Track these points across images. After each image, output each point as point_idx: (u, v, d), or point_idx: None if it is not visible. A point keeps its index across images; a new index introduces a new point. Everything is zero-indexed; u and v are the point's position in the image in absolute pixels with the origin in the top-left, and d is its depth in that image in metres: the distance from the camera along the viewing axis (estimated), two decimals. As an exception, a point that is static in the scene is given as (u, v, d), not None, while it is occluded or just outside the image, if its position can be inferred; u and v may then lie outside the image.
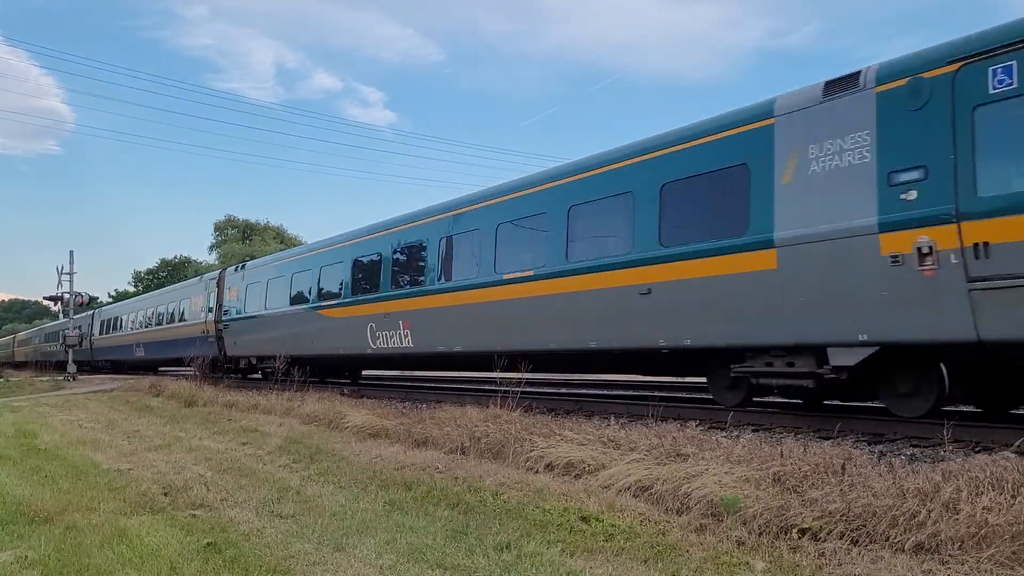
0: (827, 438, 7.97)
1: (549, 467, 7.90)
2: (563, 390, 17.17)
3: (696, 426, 8.92)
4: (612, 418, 10.10)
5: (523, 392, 11.01)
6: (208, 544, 5.77)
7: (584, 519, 6.07)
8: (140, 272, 71.40)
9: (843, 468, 5.94)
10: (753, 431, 9.01)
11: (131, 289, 72.69)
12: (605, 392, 16.57)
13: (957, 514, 4.64)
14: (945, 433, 6.92)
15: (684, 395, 14.63)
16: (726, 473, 6.24)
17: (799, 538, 5.14)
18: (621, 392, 16.30)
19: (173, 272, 69.85)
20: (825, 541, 5.01)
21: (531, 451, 8.30)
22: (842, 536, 5.00)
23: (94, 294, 42.92)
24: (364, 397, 16.10)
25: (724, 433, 8.65)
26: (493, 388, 11.56)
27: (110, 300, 72.10)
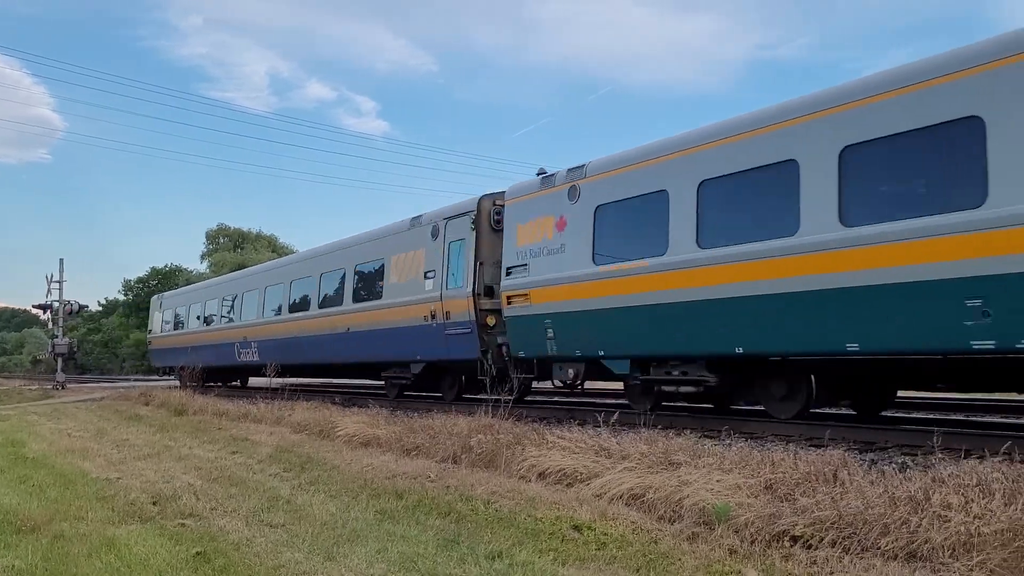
0: (818, 446, 7.96)
1: (541, 476, 7.88)
2: (556, 399, 17.14)
3: (688, 434, 8.91)
4: (604, 426, 10.07)
5: (515, 400, 10.99)
6: (197, 554, 5.74)
7: (576, 528, 6.05)
8: (130, 281, 70.80)
9: (835, 476, 5.94)
10: (745, 439, 9.00)
11: (121, 298, 72.01)
12: (598, 401, 16.55)
13: (948, 522, 4.64)
14: (935, 440, 6.93)
15: (673, 404, 14.61)
16: (718, 481, 6.24)
17: (791, 546, 5.14)
18: (613, 401, 16.28)
19: (163, 281, 69.32)
20: (817, 549, 5.01)
21: (523, 460, 8.28)
22: (834, 544, 5.00)
23: (83, 302, 42.66)
24: (355, 406, 16.03)
25: (716, 441, 8.63)
26: (485, 396, 11.57)
27: (100, 309, 71.35)
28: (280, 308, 21.15)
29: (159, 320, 31.29)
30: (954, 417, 11.17)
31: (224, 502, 7.66)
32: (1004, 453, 5.94)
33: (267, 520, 6.86)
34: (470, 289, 13.74)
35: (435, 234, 14.88)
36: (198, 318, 27.13)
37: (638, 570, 5.06)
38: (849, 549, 4.93)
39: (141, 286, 70.97)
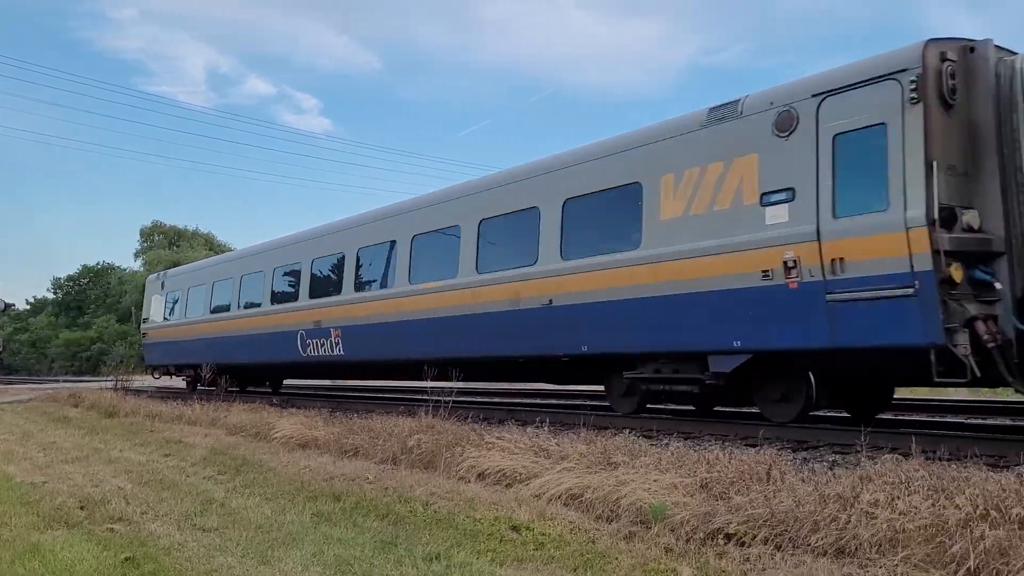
0: (753, 446, 8.12)
1: (481, 476, 7.88)
2: (495, 399, 17.17)
3: (627, 434, 9.00)
4: (544, 427, 10.12)
5: (455, 401, 10.97)
6: (126, 559, 5.58)
7: (515, 528, 6.06)
8: (60, 279, 68.61)
9: (768, 475, 6.06)
10: (682, 439, 9.14)
11: (50, 296, 69.67)
12: (538, 401, 16.62)
13: (875, 519, 4.77)
14: (863, 439, 7.12)
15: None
16: (655, 481, 6.31)
17: (725, 544, 5.22)
18: (554, 401, 16.37)
19: (95, 279, 67.39)
20: (750, 546, 5.10)
21: (463, 460, 8.26)
22: (766, 541, 5.10)
23: (9, 300, 41.22)
24: (293, 407, 15.80)
25: (653, 441, 8.74)
26: (425, 397, 11.51)
27: (27, 308, 68.98)
28: (385, 278, 15.19)
29: (160, 306, 24.67)
30: (880, 417, 11.49)
31: (155, 506, 7.47)
32: (922, 451, 6.11)
33: (200, 524, 6.71)
34: (917, 213, 7.69)
35: (788, 125, 8.90)
36: (229, 302, 20.50)
37: (575, 570, 5.09)
38: (781, 546, 5.03)
39: (71, 284, 68.80)
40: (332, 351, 16.19)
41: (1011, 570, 4.00)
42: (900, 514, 4.76)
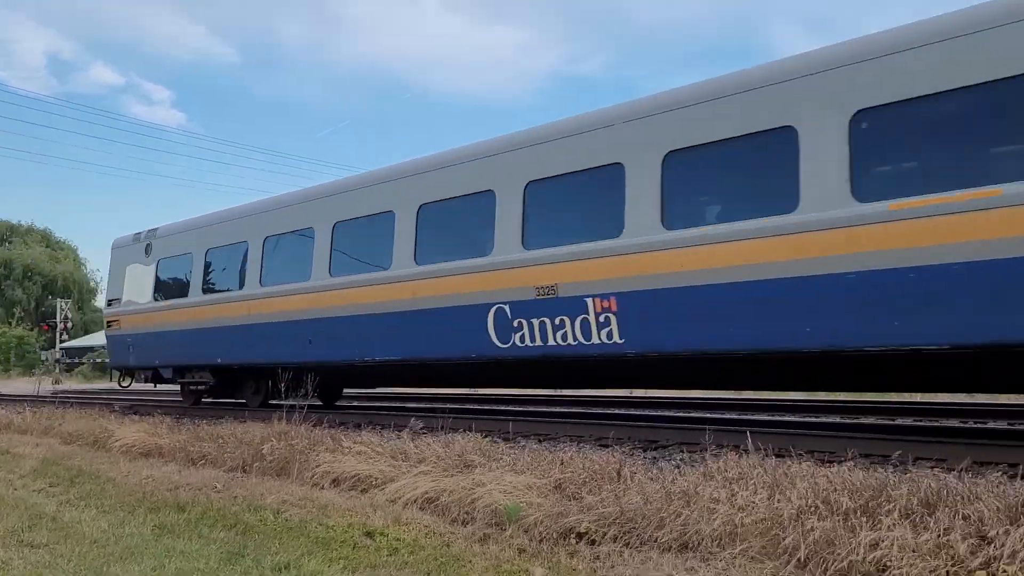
0: (606, 446, 8.35)
1: (335, 482, 7.72)
2: (354, 403, 16.90)
3: (485, 436, 9.06)
4: (404, 430, 10.03)
5: (311, 406, 10.69)
6: (-62, 582, 5.11)
7: (368, 534, 5.97)
8: None
9: (618, 474, 6.23)
10: (539, 441, 9.28)
11: None
12: (400, 405, 16.48)
13: (715, 514, 5.00)
14: (707, 438, 7.46)
15: (474, 407, 14.85)
16: (510, 482, 6.36)
17: (577, 543, 5.33)
18: (415, 404, 16.28)
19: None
20: (600, 544, 5.23)
21: (317, 466, 8.07)
22: (616, 539, 5.24)
23: None
24: (135, 413, 14.97)
25: (511, 443, 8.83)
26: (279, 403, 11.18)
27: None
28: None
29: (143, 280, 16.85)
30: (726, 416, 12.10)
31: (-25, 523, 6.88)
32: (756, 448, 6.45)
33: (28, 540, 6.23)
34: None
35: None
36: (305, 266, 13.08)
37: (429, 573, 5.06)
38: (630, 543, 5.18)
39: None
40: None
41: (836, 559, 4.28)
42: (739, 509, 5.00)
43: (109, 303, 18.06)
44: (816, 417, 12.09)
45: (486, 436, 8.83)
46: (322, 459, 8.16)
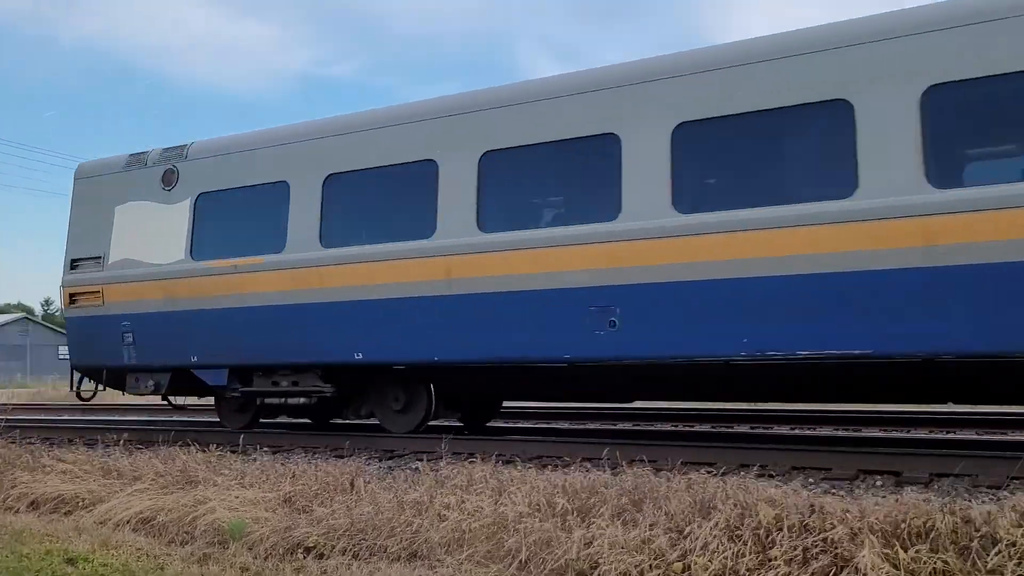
0: (341, 456, 8.20)
1: (34, 505, 6.98)
2: (65, 416, 15.32)
3: (213, 449, 8.56)
4: (119, 446, 9.22)
5: (9, 420, 9.52)
6: None
7: (70, 561, 5.41)
8: None
9: (351, 484, 6.15)
10: (271, 453, 8.93)
11: None
12: (117, 418, 15.16)
13: (445, 521, 5.08)
14: (444, 447, 7.57)
15: (204, 419, 14.02)
16: (236, 497, 6.08)
17: (304, 557, 5.18)
18: (134, 418, 15.05)
19: None
20: (329, 558, 5.12)
21: (12, 488, 7.24)
22: (345, 551, 5.16)
23: None
24: None
25: (240, 456, 8.42)
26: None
27: None
28: None
29: (153, 227, 10.83)
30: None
31: None
32: (493, 456, 6.66)
33: None
34: None
35: None
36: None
37: (138, 601, 4.68)
38: (359, 555, 5.12)
39: None
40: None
41: (554, 557, 4.51)
42: (468, 515, 5.12)
43: (73, 265, 11.51)
44: (548, 423, 12.72)
45: (218, 447, 8.35)
46: (19, 479, 7.34)
